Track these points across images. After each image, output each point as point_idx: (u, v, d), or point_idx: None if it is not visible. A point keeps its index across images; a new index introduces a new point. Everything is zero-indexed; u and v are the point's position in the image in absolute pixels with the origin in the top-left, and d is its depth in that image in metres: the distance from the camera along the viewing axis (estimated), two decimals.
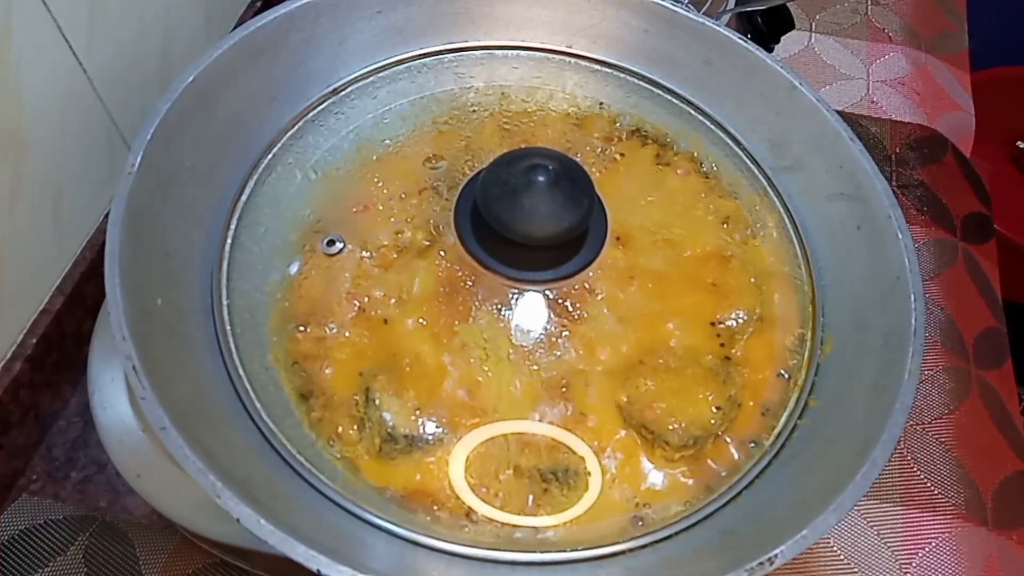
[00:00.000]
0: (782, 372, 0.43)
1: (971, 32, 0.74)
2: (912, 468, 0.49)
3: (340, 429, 0.40)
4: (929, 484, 0.48)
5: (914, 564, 0.45)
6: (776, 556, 0.30)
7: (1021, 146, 1.04)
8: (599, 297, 0.45)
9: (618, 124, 0.53)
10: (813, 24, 0.73)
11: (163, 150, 0.38)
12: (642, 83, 0.52)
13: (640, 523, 0.38)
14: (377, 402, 0.39)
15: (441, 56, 0.51)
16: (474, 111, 0.53)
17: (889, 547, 0.45)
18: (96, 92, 0.47)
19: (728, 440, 0.41)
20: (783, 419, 0.41)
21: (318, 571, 0.28)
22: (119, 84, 0.49)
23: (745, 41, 0.48)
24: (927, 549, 0.45)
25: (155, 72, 0.53)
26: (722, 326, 0.44)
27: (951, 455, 0.50)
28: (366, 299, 0.44)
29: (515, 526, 0.37)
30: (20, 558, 0.41)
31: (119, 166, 0.37)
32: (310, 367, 0.42)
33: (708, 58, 0.49)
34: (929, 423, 0.51)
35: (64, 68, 0.45)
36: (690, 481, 0.39)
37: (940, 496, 0.48)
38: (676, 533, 0.37)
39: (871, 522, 0.46)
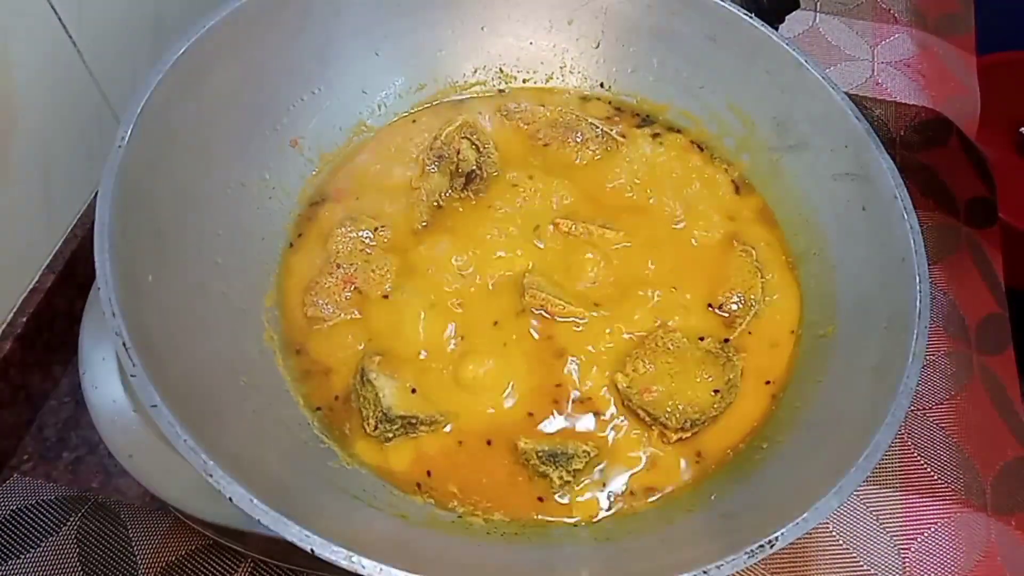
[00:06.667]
0: (783, 353, 0.42)
1: (977, 15, 0.73)
2: (912, 453, 0.48)
3: (335, 410, 0.40)
4: (929, 469, 0.48)
5: (913, 549, 0.45)
6: (776, 539, 0.30)
7: None
8: (600, 278, 0.45)
9: (619, 103, 0.52)
10: (818, 4, 0.71)
11: (154, 123, 0.37)
12: (645, 59, 0.51)
13: (640, 505, 0.38)
14: (374, 383, 0.39)
15: (440, 29, 0.50)
16: (472, 86, 0.52)
17: (888, 532, 0.45)
18: (86, 66, 0.46)
19: (728, 423, 0.40)
20: (784, 401, 0.41)
21: (312, 551, 0.28)
22: (110, 58, 0.48)
23: (750, 17, 0.47)
24: (926, 534, 0.45)
25: (147, 45, 0.51)
26: (722, 308, 0.44)
27: (951, 440, 0.49)
28: (364, 278, 0.43)
29: (514, 506, 0.37)
30: (12, 538, 0.41)
31: (110, 142, 0.36)
32: (306, 347, 0.41)
33: (712, 34, 0.48)
34: (930, 408, 0.50)
35: (53, 42, 0.43)
36: (690, 464, 0.39)
37: (940, 481, 0.47)
38: (677, 515, 0.36)
39: (870, 507, 0.46)
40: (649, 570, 0.32)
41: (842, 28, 0.70)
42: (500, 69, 0.52)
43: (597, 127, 0.50)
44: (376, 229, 0.45)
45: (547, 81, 0.53)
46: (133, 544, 0.41)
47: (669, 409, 0.39)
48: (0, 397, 0.44)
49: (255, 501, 0.28)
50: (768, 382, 0.42)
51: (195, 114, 0.40)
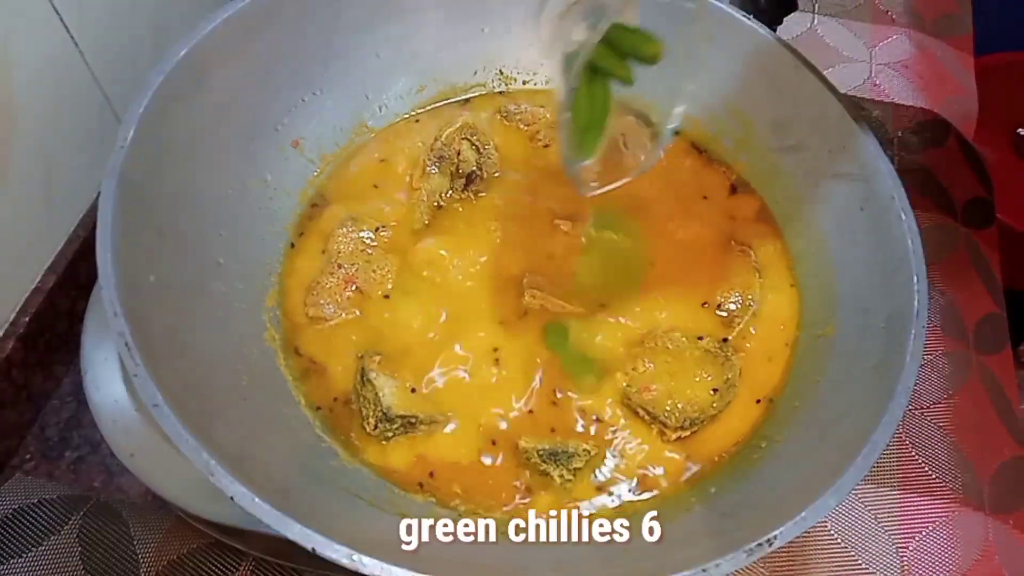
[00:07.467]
0: (782, 354, 0.43)
1: (975, 16, 0.73)
2: (910, 452, 0.48)
3: (336, 410, 0.40)
4: (927, 468, 0.48)
5: (911, 548, 0.45)
6: (775, 538, 0.30)
7: (1023, 133, 1.03)
8: (599, 279, 0.45)
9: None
10: (816, 5, 0.72)
11: (156, 124, 0.37)
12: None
13: (639, 504, 0.38)
14: (373, 382, 0.39)
15: (440, 31, 0.50)
16: (473, 88, 0.52)
17: (886, 531, 0.45)
18: (88, 67, 0.46)
19: (726, 422, 0.41)
20: (782, 401, 0.41)
21: (314, 550, 0.28)
22: (112, 58, 0.48)
23: (749, 19, 0.47)
24: (924, 533, 0.45)
25: (149, 46, 0.52)
26: (721, 308, 0.44)
27: (949, 439, 0.49)
28: (365, 278, 0.43)
29: (513, 505, 0.37)
30: (14, 537, 0.41)
31: (112, 143, 0.37)
32: (306, 347, 0.41)
33: (711, 35, 0.48)
34: (928, 407, 0.50)
35: (55, 42, 0.44)
36: (689, 463, 0.39)
37: (938, 480, 0.48)
38: (675, 515, 0.36)
39: (868, 506, 0.46)
40: (649, 569, 0.32)
41: (840, 29, 0.70)
42: (500, 71, 0.52)
43: None
44: (377, 229, 0.45)
45: (547, 83, 0.53)
46: (135, 543, 0.41)
47: (668, 408, 0.40)
48: (2, 397, 0.44)
49: (257, 500, 0.28)
50: (758, 399, 0.42)
51: (197, 115, 0.40)
